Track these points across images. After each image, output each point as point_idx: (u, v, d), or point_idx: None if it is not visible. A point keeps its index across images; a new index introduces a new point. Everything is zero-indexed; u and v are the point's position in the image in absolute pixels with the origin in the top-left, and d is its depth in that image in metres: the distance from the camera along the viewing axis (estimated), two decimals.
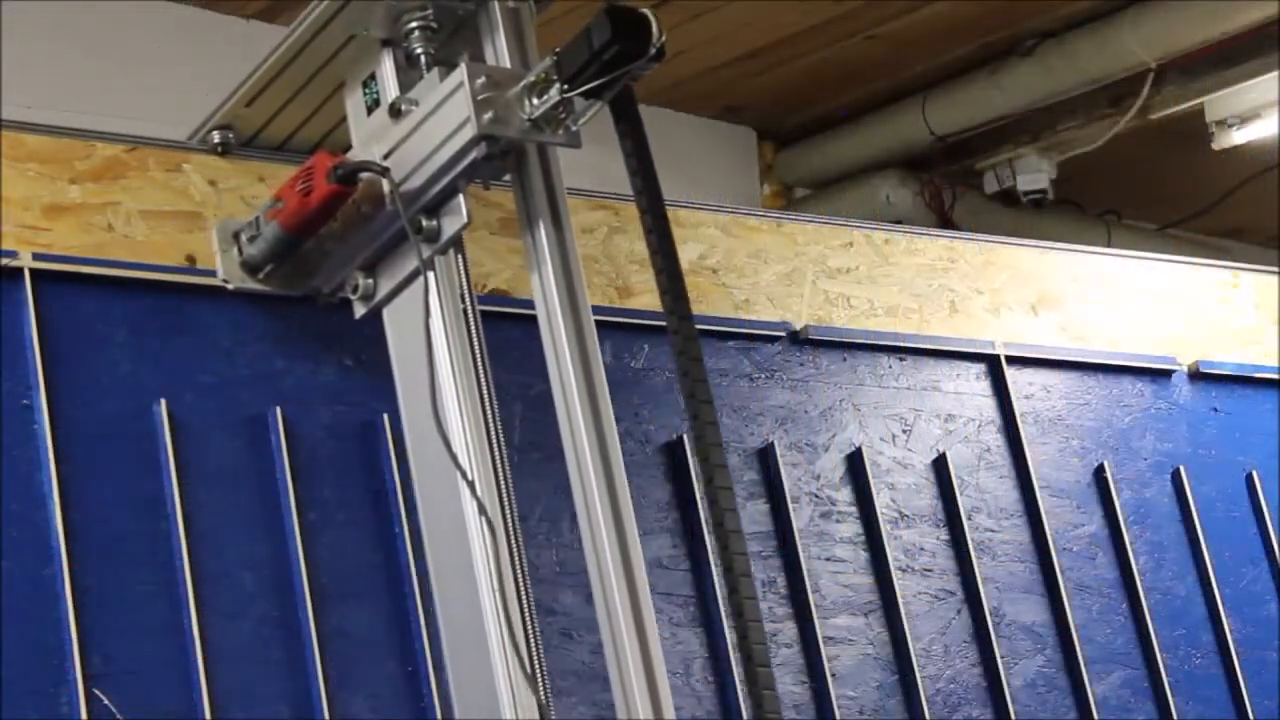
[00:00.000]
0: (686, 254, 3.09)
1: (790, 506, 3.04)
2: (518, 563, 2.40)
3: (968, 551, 3.19)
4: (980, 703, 3.12)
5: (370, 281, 2.50)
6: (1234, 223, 6.71)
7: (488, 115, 2.28)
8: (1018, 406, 3.37)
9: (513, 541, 2.40)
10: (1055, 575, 3.26)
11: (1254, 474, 3.58)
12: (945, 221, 5.89)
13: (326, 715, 2.51)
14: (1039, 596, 3.26)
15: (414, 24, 2.45)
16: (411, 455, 2.46)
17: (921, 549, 3.17)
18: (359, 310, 2.51)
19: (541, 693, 2.34)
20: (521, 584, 2.40)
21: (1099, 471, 3.42)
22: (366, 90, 2.52)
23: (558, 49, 2.25)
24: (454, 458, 2.33)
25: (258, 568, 2.55)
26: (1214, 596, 3.41)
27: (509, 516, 2.40)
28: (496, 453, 2.40)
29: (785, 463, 3.08)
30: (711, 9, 5.01)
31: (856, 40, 5.41)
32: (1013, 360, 3.42)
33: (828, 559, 3.05)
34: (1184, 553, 3.46)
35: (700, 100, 5.67)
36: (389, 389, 2.69)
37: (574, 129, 2.30)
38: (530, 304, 2.35)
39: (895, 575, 3.09)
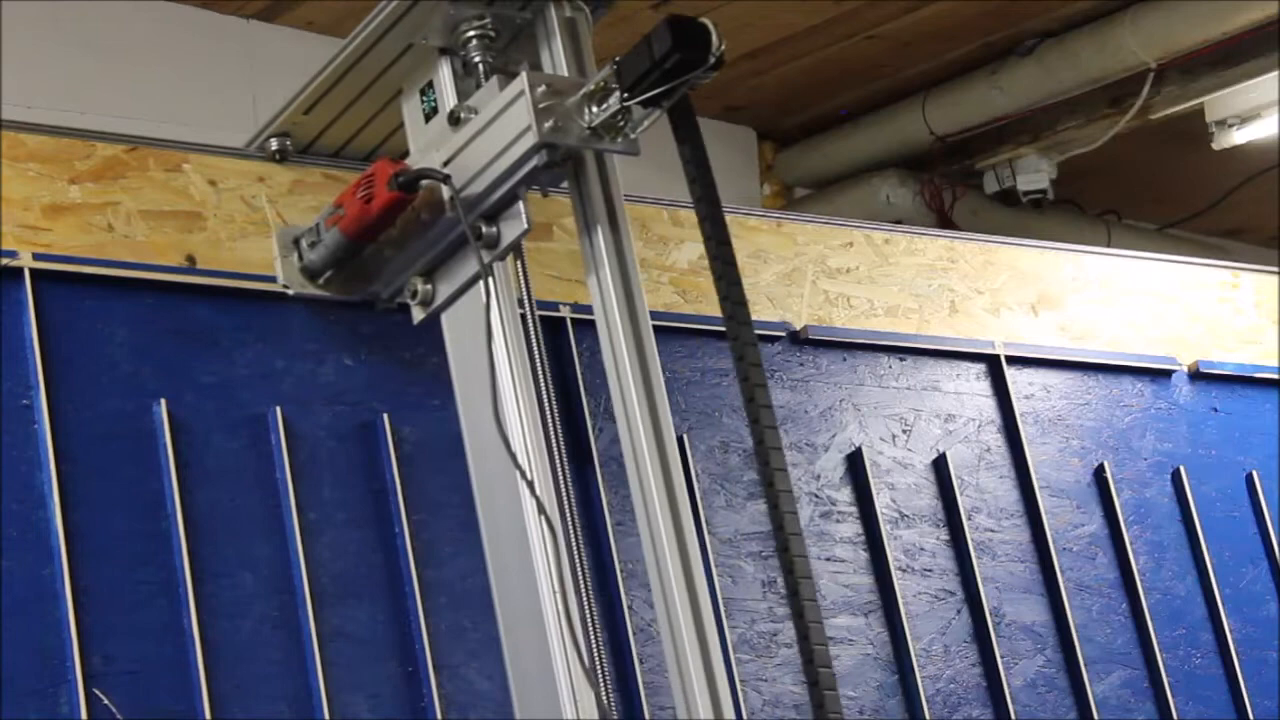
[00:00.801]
0: (686, 254, 3.10)
1: None
2: (578, 563, 2.42)
3: (968, 551, 3.19)
4: (980, 703, 3.11)
5: (429, 287, 2.53)
6: (1234, 223, 6.71)
7: (548, 123, 2.31)
8: (1018, 406, 3.37)
9: (573, 542, 2.42)
10: (1055, 575, 3.26)
11: (1254, 474, 3.58)
12: (945, 221, 5.89)
13: (326, 715, 2.51)
14: (1039, 596, 3.25)
15: (472, 33, 2.48)
16: (470, 457, 2.48)
17: (921, 549, 3.17)
18: (417, 315, 2.54)
19: (603, 692, 2.36)
20: (582, 584, 2.42)
21: (1099, 471, 3.42)
22: (424, 98, 2.54)
23: (618, 58, 2.28)
24: (513, 458, 2.35)
25: (258, 568, 2.55)
26: (1214, 596, 3.41)
27: (569, 517, 2.42)
28: (556, 454, 2.42)
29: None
30: (711, 9, 5.00)
31: (856, 40, 5.41)
32: (1013, 360, 3.42)
33: (828, 559, 3.05)
34: (1184, 553, 3.46)
35: (700, 100, 5.63)
36: (389, 389, 2.70)
37: (633, 137, 2.33)
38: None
39: (895, 575, 3.09)
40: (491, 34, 2.47)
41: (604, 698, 2.36)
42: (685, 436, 2.97)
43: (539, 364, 2.44)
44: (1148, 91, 5.42)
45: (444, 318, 2.51)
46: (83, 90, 4.48)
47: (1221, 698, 3.37)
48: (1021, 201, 5.98)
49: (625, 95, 2.27)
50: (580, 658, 2.31)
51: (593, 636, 2.41)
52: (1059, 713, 3.18)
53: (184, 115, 4.45)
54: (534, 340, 2.49)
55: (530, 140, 2.31)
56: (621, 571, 2.81)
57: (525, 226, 2.38)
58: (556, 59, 2.42)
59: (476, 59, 2.48)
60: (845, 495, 3.13)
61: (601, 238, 2.36)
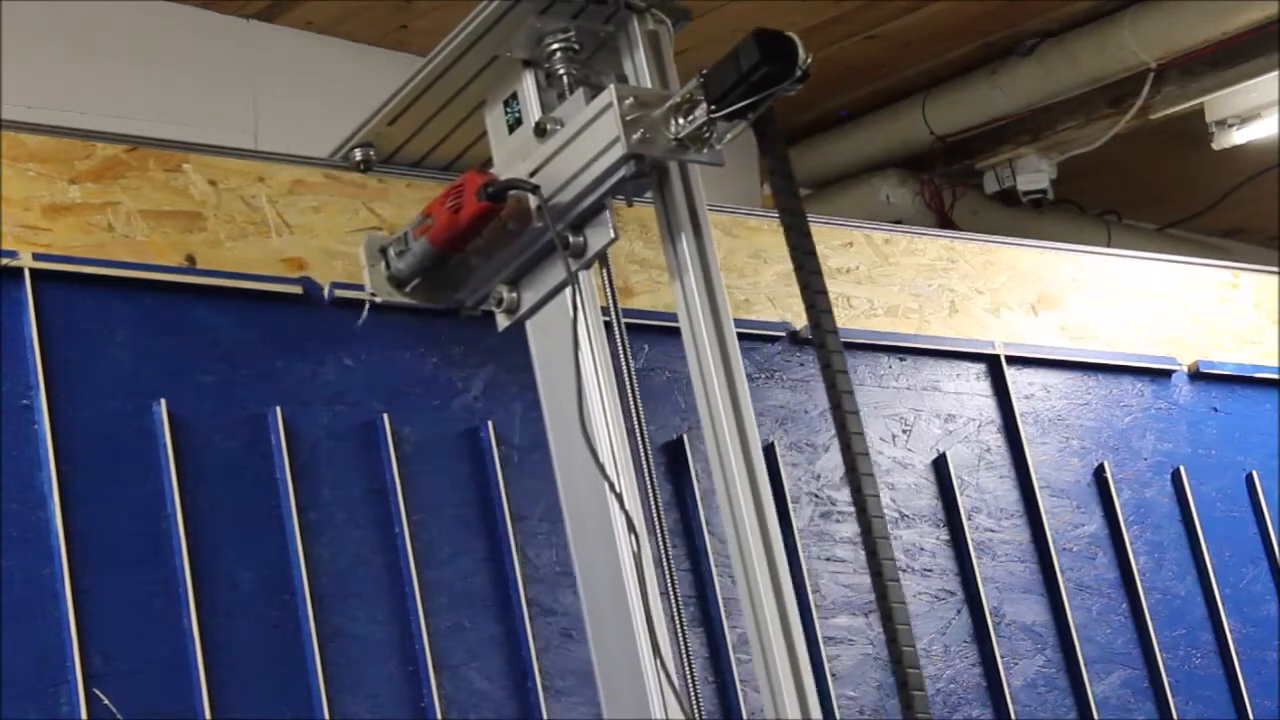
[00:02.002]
0: None
1: (790, 506, 3.04)
2: (666, 570, 2.45)
3: (968, 551, 3.19)
4: (980, 703, 3.11)
5: (514, 295, 2.58)
6: (1234, 223, 6.70)
7: (636, 135, 2.35)
8: (1018, 406, 3.37)
9: (662, 550, 2.48)
10: (1055, 575, 3.26)
11: (1254, 474, 3.58)
12: (945, 221, 5.88)
13: (326, 715, 2.51)
14: (1039, 596, 3.25)
15: (556, 46, 2.53)
16: (556, 463, 2.52)
17: (921, 549, 3.17)
18: (502, 323, 2.59)
19: (693, 702, 2.42)
20: (672, 591, 2.45)
21: (1099, 471, 3.42)
22: (508, 109, 2.59)
23: (704, 70, 2.32)
24: (600, 468, 2.38)
25: (258, 568, 2.55)
26: (1214, 596, 3.41)
27: (657, 525, 2.47)
28: (644, 461, 2.46)
29: (785, 463, 3.08)
30: (712, 9, 5.00)
31: (856, 40, 5.41)
32: (1013, 360, 3.42)
33: (828, 559, 3.05)
34: (1184, 553, 3.46)
35: None
36: (389, 389, 2.70)
37: (717, 147, 2.38)
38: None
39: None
40: (575, 47, 2.53)
41: (694, 709, 2.42)
42: (685, 437, 2.96)
43: (626, 370, 2.48)
44: (1148, 91, 5.42)
45: (528, 325, 2.56)
46: (83, 90, 4.47)
47: (1221, 698, 3.37)
48: (1021, 201, 5.98)
49: (712, 108, 2.31)
50: (666, 667, 2.36)
51: (682, 645, 2.44)
52: (1059, 713, 3.18)
53: (184, 115, 4.45)
54: (620, 346, 2.52)
55: (619, 151, 2.36)
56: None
57: (612, 235, 2.44)
58: (639, 71, 2.47)
59: (561, 71, 2.53)
60: (845, 495, 3.13)
61: (685, 245, 2.41)
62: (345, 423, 2.69)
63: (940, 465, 3.24)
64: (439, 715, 2.60)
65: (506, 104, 2.58)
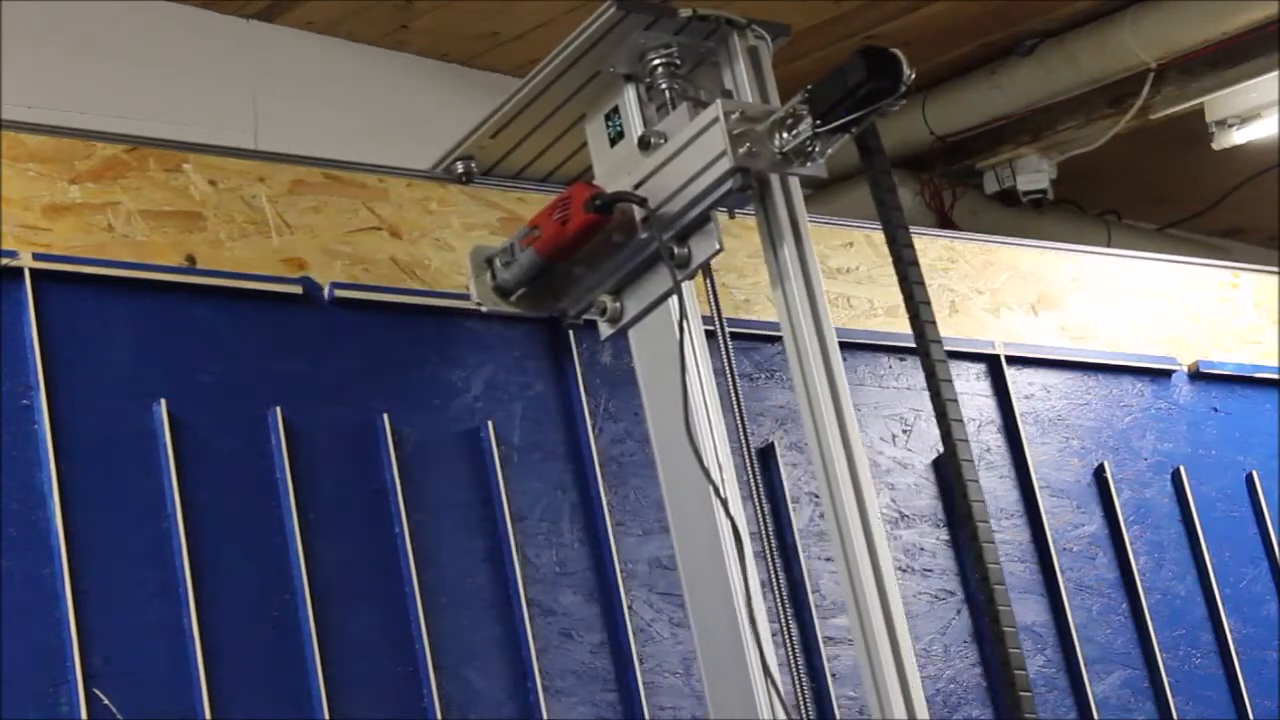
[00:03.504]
0: None
1: (790, 506, 3.04)
2: (773, 574, 2.49)
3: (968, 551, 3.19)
4: (980, 703, 3.11)
5: (618, 304, 2.61)
6: (1234, 223, 6.70)
7: (742, 149, 2.40)
8: (1018, 406, 3.37)
9: (769, 555, 2.51)
10: (1055, 575, 3.26)
11: (1254, 474, 3.58)
12: (945, 221, 5.88)
13: (326, 715, 2.51)
14: (1039, 596, 3.25)
15: (658, 61, 2.57)
16: (661, 470, 2.54)
17: (921, 549, 3.17)
18: (605, 331, 2.64)
19: (804, 712, 2.46)
20: (777, 594, 2.49)
21: (1099, 471, 3.42)
22: (609, 123, 2.64)
23: (809, 85, 2.37)
24: (706, 472, 2.43)
25: (258, 568, 2.55)
26: (1214, 596, 3.41)
27: (763, 530, 2.50)
28: (749, 466, 2.49)
29: (785, 463, 3.08)
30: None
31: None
32: (1013, 360, 3.41)
33: (828, 559, 3.04)
34: (1184, 553, 3.45)
35: None
36: (389, 389, 2.70)
37: (820, 160, 2.42)
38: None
39: (895, 575, 3.09)
40: (676, 62, 2.57)
41: (801, 704, 2.47)
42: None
43: (730, 377, 2.52)
44: (1148, 91, 5.41)
45: (631, 334, 2.60)
46: (83, 90, 4.47)
47: (1221, 698, 3.37)
48: (1021, 201, 5.98)
49: (817, 122, 2.36)
50: (771, 671, 2.39)
51: (789, 647, 2.47)
52: (1059, 713, 3.18)
53: (184, 115, 4.45)
54: (724, 354, 2.57)
55: (725, 165, 2.40)
56: (622, 573, 2.82)
57: (717, 246, 2.48)
58: (740, 85, 2.51)
59: (663, 86, 2.57)
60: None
61: (787, 254, 2.45)
62: (345, 423, 2.69)
63: (940, 465, 3.24)
64: (439, 715, 2.60)
65: (608, 118, 2.65)
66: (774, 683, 2.40)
